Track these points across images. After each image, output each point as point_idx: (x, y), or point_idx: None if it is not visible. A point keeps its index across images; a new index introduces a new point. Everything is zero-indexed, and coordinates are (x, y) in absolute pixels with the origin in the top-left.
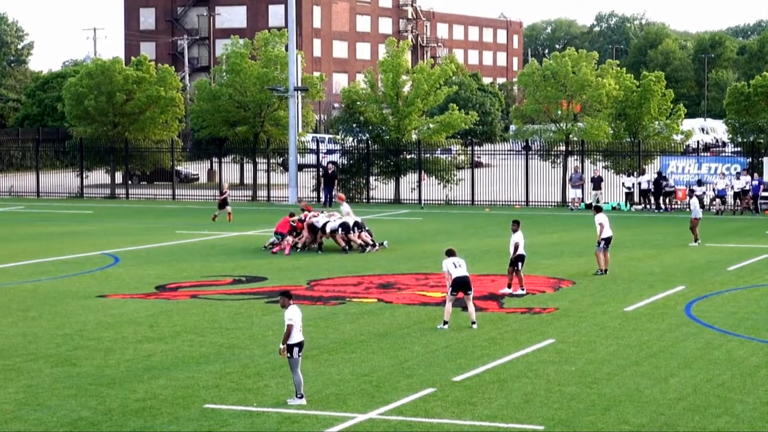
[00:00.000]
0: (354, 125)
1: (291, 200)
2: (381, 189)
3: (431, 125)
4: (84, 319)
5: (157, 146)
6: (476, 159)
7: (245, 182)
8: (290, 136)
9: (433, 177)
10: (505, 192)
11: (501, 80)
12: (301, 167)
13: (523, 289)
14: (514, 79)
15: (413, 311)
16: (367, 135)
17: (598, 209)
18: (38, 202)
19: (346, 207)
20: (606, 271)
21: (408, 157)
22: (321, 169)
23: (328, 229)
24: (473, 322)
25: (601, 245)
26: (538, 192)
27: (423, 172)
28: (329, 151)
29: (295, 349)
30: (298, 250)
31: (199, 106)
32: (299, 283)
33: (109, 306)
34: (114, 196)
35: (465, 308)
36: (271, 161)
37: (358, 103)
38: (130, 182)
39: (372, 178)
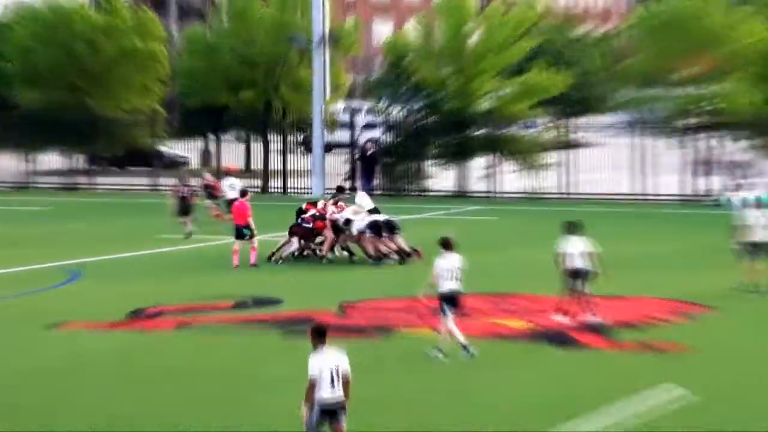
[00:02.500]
0: (402, 90)
1: (316, 192)
2: (440, 177)
3: (508, 90)
4: (27, 361)
5: (133, 118)
6: (571, 136)
7: (253, 167)
8: (314, 104)
9: (512, 161)
10: (611, 180)
11: (604, 28)
12: (329, 147)
13: (594, 315)
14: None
15: (486, 347)
16: (420, 103)
17: (759, 203)
18: None
19: (363, 197)
20: (759, 287)
21: (477, 133)
22: (357, 150)
23: (354, 230)
24: (438, 348)
25: (750, 252)
26: (655, 180)
27: (498, 154)
28: (368, 126)
29: (318, 412)
30: (324, 259)
31: (191, 63)
32: (327, 305)
33: (63, 340)
34: (73, 187)
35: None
36: (289, 139)
37: (407, 59)
38: (95, 167)
39: (427, 163)
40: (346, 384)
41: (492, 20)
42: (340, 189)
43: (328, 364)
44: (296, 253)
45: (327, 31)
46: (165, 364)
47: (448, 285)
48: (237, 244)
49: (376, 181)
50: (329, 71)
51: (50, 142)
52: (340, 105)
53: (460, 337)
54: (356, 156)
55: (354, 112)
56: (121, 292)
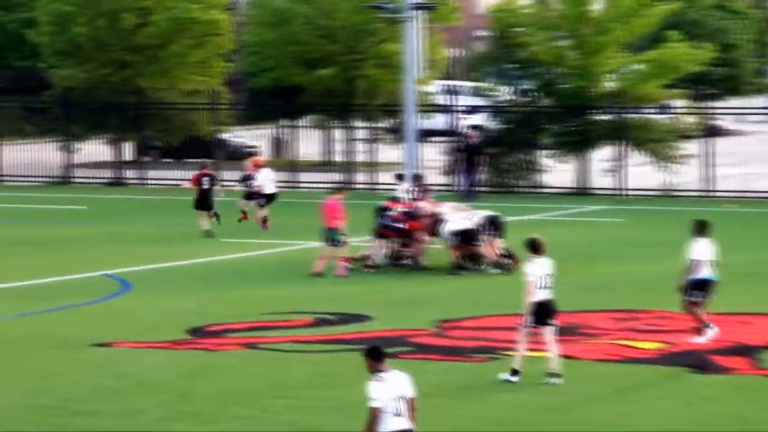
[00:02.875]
0: (510, 67)
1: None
2: (557, 171)
3: (637, 67)
4: (73, 382)
5: (190, 101)
6: (714, 122)
7: (332, 158)
8: (406, 84)
9: (642, 152)
10: (760, 176)
11: None
12: (423, 135)
13: (708, 328)
14: None
15: (611, 372)
16: (532, 83)
17: None
18: None
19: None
20: None
21: (599, 119)
22: (457, 139)
23: (445, 232)
24: (552, 374)
25: None
26: None
27: (625, 143)
28: (470, 110)
29: None
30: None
31: (258, 35)
32: (421, 324)
33: (113, 360)
34: (120, 182)
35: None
36: (376, 125)
37: (516, 30)
38: (146, 159)
39: (541, 153)
40: (413, 411)
41: None
42: (417, 177)
43: (392, 391)
44: (388, 260)
45: None
46: (231, 389)
47: (539, 294)
48: (327, 250)
49: (479, 176)
50: (423, 45)
51: (93, 128)
52: (436, 85)
53: (518, 358)
54: (456, 146)
55: (453, 94)
56: (178, 305)
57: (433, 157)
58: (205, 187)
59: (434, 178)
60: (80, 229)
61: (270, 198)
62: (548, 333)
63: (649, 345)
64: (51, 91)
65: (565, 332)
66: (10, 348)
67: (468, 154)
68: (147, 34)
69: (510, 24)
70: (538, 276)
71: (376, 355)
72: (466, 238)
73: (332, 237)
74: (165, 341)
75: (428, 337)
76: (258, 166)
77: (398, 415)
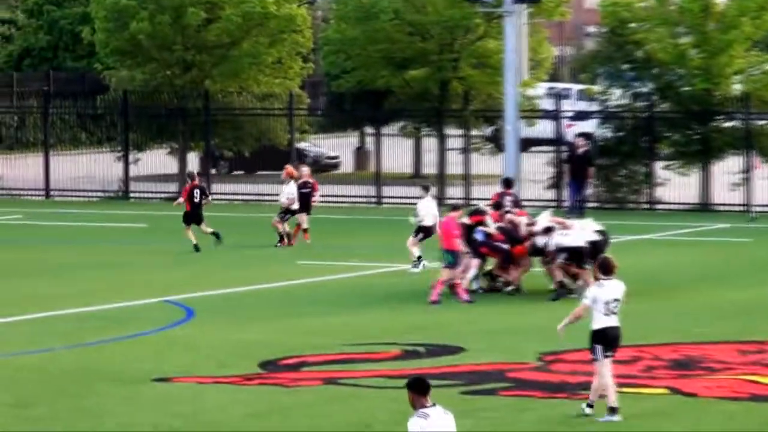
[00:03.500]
0: (624, 67)
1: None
2: (676, 184)
3: None
4: (130, 422)
5: (264, 106)
6: None
7: (422, 171)
8: (506, 87)
9: None
10: None
11: None
12: (526, 144)
13: None
14: None
15: (736, 411)
16: (650, 85)
17: None
18: (48, 207)
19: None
20: None
21: (726, 125)
22: (565, 149)
23: (551, 246)
24: (612, 409)
25: None
26: None
27: (755, 153)
28: (578, 116)
29: None
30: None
31: (340, 32)
32: (523, 357)
33: (175, 398)
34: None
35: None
36: (473, 133)
37: (631, 26)
38: (214, 171)
39: (659, 165)
40: None
41: None
42: (507, 183)
43: (436, 430)
44: (482, 284)
45: None
46: (308, 428)
47: (604, 321)
48: (445, 273)
49: (589, 190)
50: (526, 42)
51: (154, 136)
52: (541, 87)
53: (611, 395)
54: (563, 156)
55: (560, 98)
56: (248, 336)
57: (537, 169)
58: (197, 200)
59: (537, 192)
60: (139, 250)
61: (294, 213)
62: (608, 364)
63: None
64: (108, 95)
65: (685, 366)
66: (63, 382)
67: (576, 165)
68: (216, 31)
69: (624, 19)
70: (603, 300)
71: (420, 388)
72: (575, 257)
73: (450, 259)
74: (233, 376)
75: (529, 371)
76: (292, 177)
77: None
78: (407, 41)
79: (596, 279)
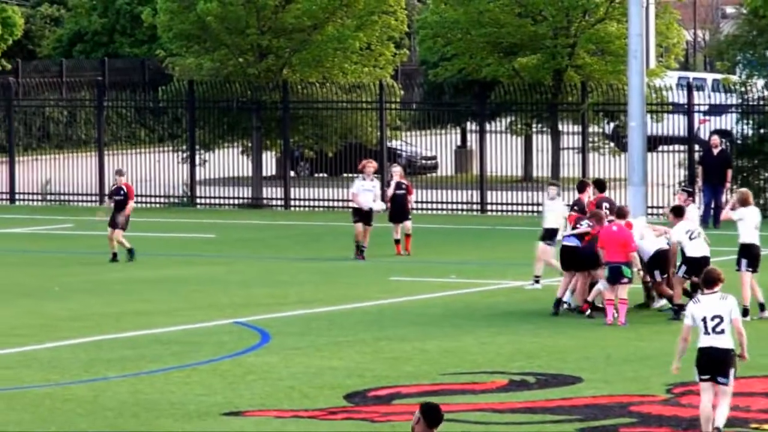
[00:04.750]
0: None
1: (634, 210)
2: None
3: None
4: None
5: (351, 98)
6: None
7: (533, 174)
8: (631, 77)
9: None
10: None
11: None
12: (654, 143)
13: None
14: None
15: None
16: None
17: None
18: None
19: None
20: None
21: None
22: (699, 148)
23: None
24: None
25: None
26: None
27: None
28: (714, 110)
29: None
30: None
31: (439, 14)
32: (649, 388)
33: None
34: (259, 203)
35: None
36: (591, 130)
37: None
38: (293, 174)
39: None
40: None
41: None
42: (600, 185)
43: None
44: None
45: None
46: None
47: (702, 341)
48: (609, 291)
49: (726, 196)
50: (654, 25)
51: (224, 134)
52: (671, 77)
53: (704, 424)
54: (697, 157)
55: (693, 89)
56: (332, 363)
57: (666, 171)
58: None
59: (667, 198)
60: (207, 264)
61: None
62: (711, 389)
63: None
64: (171, 86)
65: None
66: (117, 417)
67: (711, 167)
68: (295, 13)
69: None
70: (699, 318)
71: (433, 418)
72: (696, 269)
73: (622, 274)
74: (315, 410)
75: (656, 405)
76: (366, 171)
77: None
78: (516, 24)
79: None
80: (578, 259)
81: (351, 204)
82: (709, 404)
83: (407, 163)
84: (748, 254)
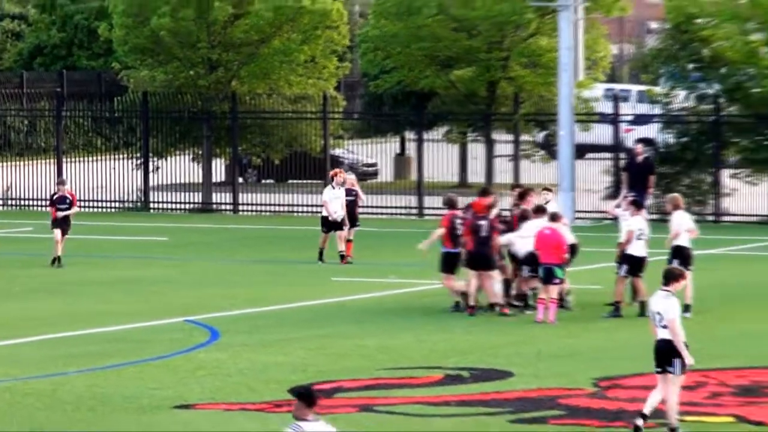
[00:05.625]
0: (690, 67)
1: (567, 214)
2: (745, 195)
3: None
4: None
5: (296, 109)
6: None
7: (469, 180)
8: (561, 88)
9: None
10: None
11: None
12: (582, 151)
13: None
14: None
15: None
16: (717, 86)
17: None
18: None
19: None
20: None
21: None
22: (624, 156)
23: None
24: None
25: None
26: None
27: None
28: (638, 119)
29: None
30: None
31: (380, 28)
32: (577, 382)
33: (199, 426)
34: (209, 208)
35: None
36: (523, 139)
37: (698, 22)
38: (242, 180)
39: (726, 174)
40: None
41: None
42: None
43: None
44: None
45: None
46: None
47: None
48: (545, 292)
49: (649, 200)
50: (583, 40)
51: (176, 142)
52: (598, 89)
53: (647, 406)
54: (622, 164)
55: (618, 100)
56: (277, 359)
57: (593, 177)
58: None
59: (594, 203)
60: (160, 265)
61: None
62: (662, 380)
63: None
64: (126, 97)
65: (753, 393)
66: (78, 409)
67: (635, 174)
68: (244, 28)
69: (690, 14)
70: (652, 312)
71: (308, 399)
72: (636, 269)
73: (554, 275)
74: (262, 402)
75: (583, 398)
76: (335, 177)
77: None
78: (452, 38)
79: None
80: (473, 261)
81: (323, 212)
82: (660, 395)
83: (349, 170)
84: (680, 255)
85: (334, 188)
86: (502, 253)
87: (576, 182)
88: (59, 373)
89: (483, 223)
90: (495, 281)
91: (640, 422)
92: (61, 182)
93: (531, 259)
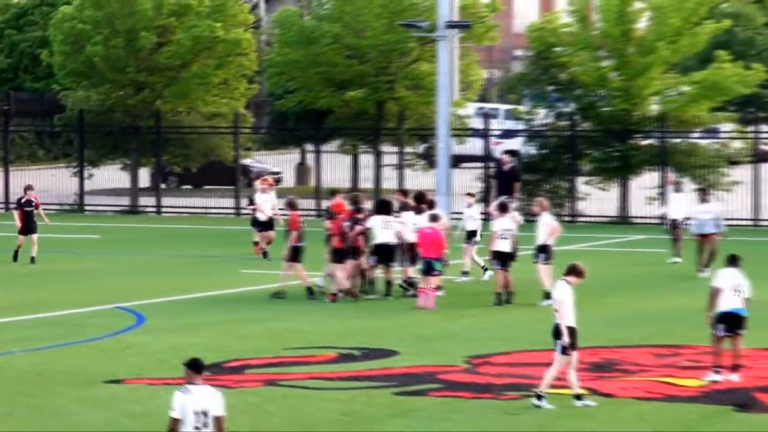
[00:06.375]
0: (549, 89)
1: (444, 215)
2: (597, 198)
3: (685, 88)
4: (85, 421)
5: (211, 124)
6: (764, 147)
7: (360, 185)
8: (439, 107)
9: (688, 178)
10: None
11: None
12: (457, 161)
13: (717, 373)
14: None
15: (651, 411)
16: (573, 105)
17: None
18: (7, 220)
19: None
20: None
21: (644, 143)
22: (493, 165)
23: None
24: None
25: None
26: None
27: (669, 169)
28: (505, 134)
29: None
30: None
31: (283, 55)
32: (452, 360)
33: (126, 398)
34: (136, 210)
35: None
36: (407, 150)
37: (557, 50)
38: (163, 186)
39: (580, 181)
40: (219, 428)
41: (665, 0)
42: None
43: (194, 405)
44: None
45: (455, 15)
46: (251, 428)
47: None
48: (425, 282)
49: (515, 203)
50: (458, 65)
51: (108, 153)
52: (471, 107)
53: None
54: (491, 172)
55: (488, 117)
56: (195, 340)
57: (467, 184)
58: (27, 210)
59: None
60: (93, 260)
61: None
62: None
63: (692, 382)
64: (65, 114)
65: (603, 369)
66: (20, 384)
67: (503, 180)
68: (166, 54)
69: (549, 43)
70: (553, 299)
71: (195, 367)
72: (503, 262)
73: (433, 267)
74: (181, 378)
75: (458, 373)
76: (263, 184)
77: (198, 429)
78: (346, 64)
79: None
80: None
81: (257, 214)
82: (572, 372)
83: (257, 177)
84: (545, 250)
85: (264, 192)
86: (362, 249)
87: (452, 188)
88: (5, 353)
89: (348, 224)
90: (343, 271)
91: (578, 403)
92: (28, 187)
93: (379, 250)
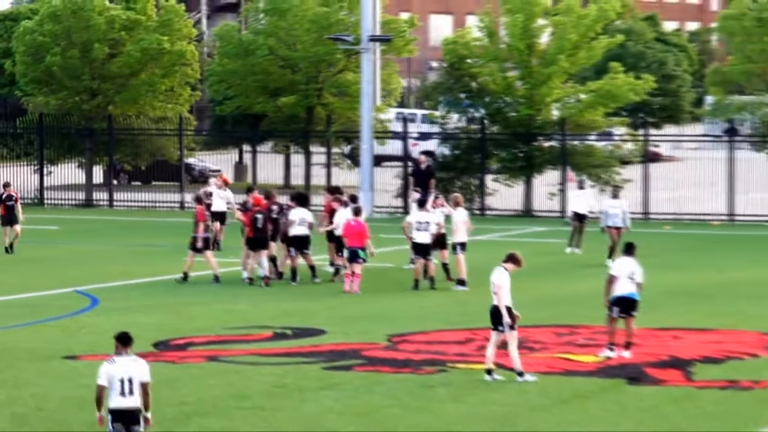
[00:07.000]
0: (462, 96)
1: (366, 209)
2: (503, 195)
3: (582, 96)
4: (45, 392)
5: (158, 127)
6: (652, 149)
7: (292, 183)
8: (363, 112)
9: (585, 176)
10: (698, 200)
11: (692, 26)
12: (378, 160)
13: (612, 351)
14: (713, 25)
15: (552, 384)
16: (482, 111)
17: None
18: None
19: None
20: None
21: (546, 145)
22: (411, 164)
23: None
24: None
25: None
26: (748, 200)
27: (569, 168)
28: (422, 136)
29: (111, 419)
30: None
31: (223, 65)
32: (375, 338)
33: (82, 372)
34: (90, 204)
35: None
36: (334, 151)
37: (468, 61)
38: (115, 182)
39: (489, 178)
40: (146, 395)
41: (565, 17)
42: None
43: (119, 372)
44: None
45: (377, 29)
46: (194, 400)
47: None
48: (352, 268)
49: (438, 197)
50: (380, 74)
51: (65, 152)
52: (391, 112)
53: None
54: (409, 170)
55: (407, 121)
56: (144, 320)
57: (387, 181)
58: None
59: (388, 200)
60: (52, 248)
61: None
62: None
63: (588, 358)
64: (26, 118)
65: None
66: None
67: (419, 178)
68: (118, 64)
69: (462, 56)
70: (491, 282)
71: (123, 340)
72: (421, 252)
73: (357, 255)
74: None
75: (380, 350)
76: (227, 183)
77: (124, 394)
78: (279, 73)
79: None
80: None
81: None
82: (491, 348)
83: (199, 175)
84: (462, 244)
85: (219, 188)
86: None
87: (374, 184)
88: None
89: (260, 216)
90: (264, 258)
91: (488, 378)
92: (6, 184)
93: (294, 241)
